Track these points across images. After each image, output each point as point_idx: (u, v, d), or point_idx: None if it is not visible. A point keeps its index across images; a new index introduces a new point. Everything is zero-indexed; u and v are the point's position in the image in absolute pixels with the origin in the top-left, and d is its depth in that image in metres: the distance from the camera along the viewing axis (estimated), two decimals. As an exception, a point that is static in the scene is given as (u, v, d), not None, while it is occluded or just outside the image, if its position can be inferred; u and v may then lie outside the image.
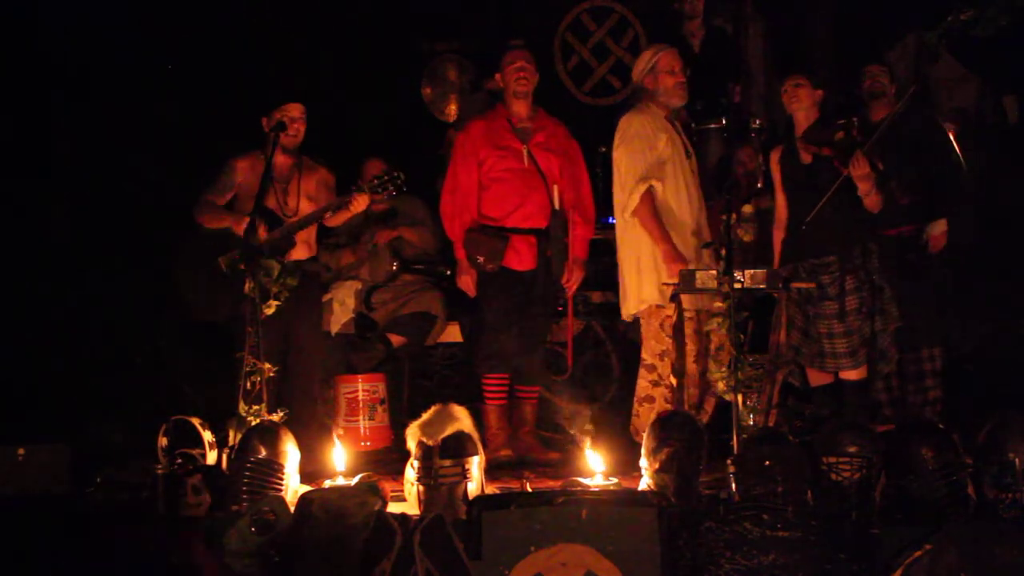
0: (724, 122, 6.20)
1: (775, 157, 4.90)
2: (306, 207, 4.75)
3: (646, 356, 4.82)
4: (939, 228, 5.12)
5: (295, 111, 4.73)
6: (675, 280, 4.39)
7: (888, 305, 4.69)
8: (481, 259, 4.87)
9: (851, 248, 4.63)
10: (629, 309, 4.84)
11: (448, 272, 5.58)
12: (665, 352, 4.70)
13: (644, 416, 4.74)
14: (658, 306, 4.74)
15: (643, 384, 4.81)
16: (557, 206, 4.91)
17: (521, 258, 4.89)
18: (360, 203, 4.66)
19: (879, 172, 4.53)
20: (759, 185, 5.74)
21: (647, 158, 4.73)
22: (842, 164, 4.55)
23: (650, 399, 4.78)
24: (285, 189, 4.74)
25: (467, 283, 4.97)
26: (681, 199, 4.77)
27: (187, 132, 5.95)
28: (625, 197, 4.76)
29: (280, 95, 4.76)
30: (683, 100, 4.89)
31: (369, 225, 5.75)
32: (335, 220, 4.83)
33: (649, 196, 4.72)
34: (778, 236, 4.92)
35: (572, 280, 4.96)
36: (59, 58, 5.91)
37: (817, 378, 4.83)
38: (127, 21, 6.01)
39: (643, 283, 4.75)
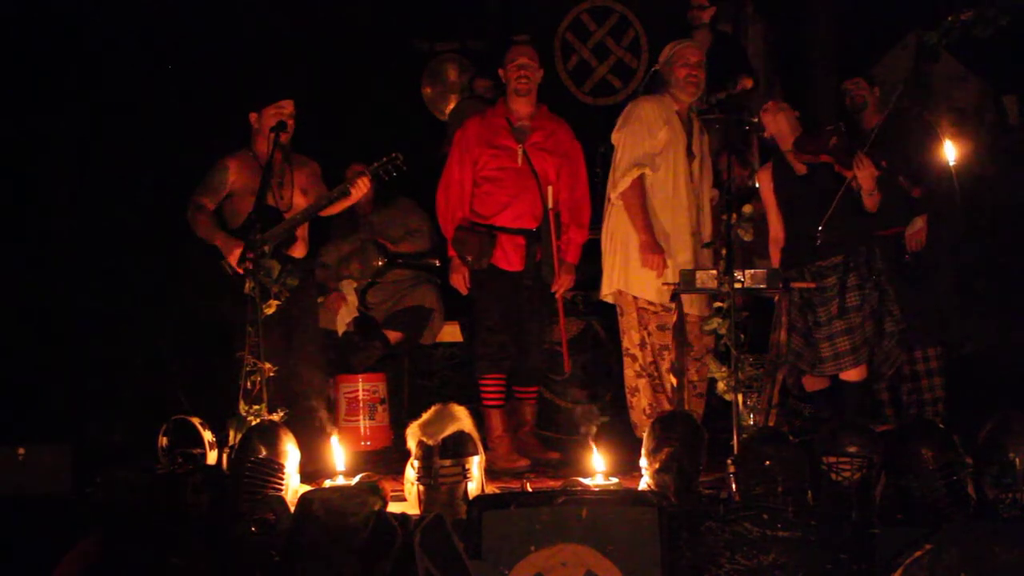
0: (719, 115, 6.18)
1: (765, 175, 4.91)
2: (300, 200, 4.74)
3: (628, 346, 4.82)
4: (916, 225, 5.10)
5: (290, 107, 4.72)
6: (675, 280, 4.40)
7: (892, 308, 4.69)
8: (469, 257, 4.83)
9: (856, 248, 4.65)
10: (602, 291, 4.90)
11: (438, 263, 5.57)
12: (644, 342, 4.72)
13: (638, 407, 4.77)
14: (634, 297, 4.75)
15: (629, 374, 4.82)
16: (551, 207, 4.84)
17: (509, 259, 4.83)
18: (361, 187, 4.68)
19: (883, 169, 4.55)
20: (750, 183, 5.73)
21: (644, 145, 4.73)
22: (844, 167, 4.57)
23: (638, 389, 4.79)
24: (280, 184, 4.72)
25: (458, 281, 4.91)
26: (667, 194, 4.76)
27: (186, 130, 5.94)
28: (618, 178, 4.77)
29: (274, 92, 4.74)
30: (693, 95, 4.87)
31: (355, 222, 5.75)
32: (334, 208, 4.81)
33: (640, 182, 4.73)
34: (775, 254, 4.88)
35: (559, 285, 4.87)
36: (58, 55, 5.90)
37: (813, 383, 4.84)
38: (126, 20, 6.01)
39: (615, 268, 4.78)
